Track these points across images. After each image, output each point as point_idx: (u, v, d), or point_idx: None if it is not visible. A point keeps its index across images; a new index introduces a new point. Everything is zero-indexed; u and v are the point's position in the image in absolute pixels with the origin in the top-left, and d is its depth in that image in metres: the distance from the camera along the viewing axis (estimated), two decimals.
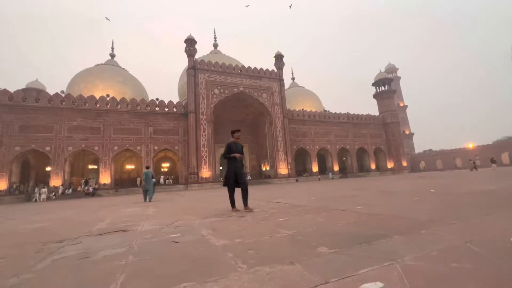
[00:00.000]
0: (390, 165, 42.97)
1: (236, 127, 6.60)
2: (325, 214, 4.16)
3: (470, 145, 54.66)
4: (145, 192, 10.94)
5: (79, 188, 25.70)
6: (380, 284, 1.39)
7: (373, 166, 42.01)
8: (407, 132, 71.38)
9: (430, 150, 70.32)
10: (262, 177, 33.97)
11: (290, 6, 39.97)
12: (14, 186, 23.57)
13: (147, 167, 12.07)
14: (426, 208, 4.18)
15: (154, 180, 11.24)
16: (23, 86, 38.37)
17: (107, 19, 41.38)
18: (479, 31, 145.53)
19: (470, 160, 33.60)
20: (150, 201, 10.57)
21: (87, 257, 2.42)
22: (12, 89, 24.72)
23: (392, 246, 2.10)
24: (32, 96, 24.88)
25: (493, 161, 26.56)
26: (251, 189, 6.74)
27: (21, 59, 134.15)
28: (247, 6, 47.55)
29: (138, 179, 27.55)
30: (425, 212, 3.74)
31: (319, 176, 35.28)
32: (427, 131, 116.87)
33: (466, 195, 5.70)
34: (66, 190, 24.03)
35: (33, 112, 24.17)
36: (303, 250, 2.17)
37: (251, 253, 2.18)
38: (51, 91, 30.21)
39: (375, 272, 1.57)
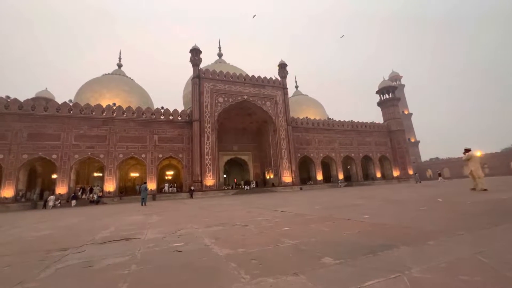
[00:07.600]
0: (396, 173, 42.31)
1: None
2: (329, 224, 4.10)
3: (478, 153, 53.77)
4: (142, 200, 15.54)
5: (83, 196, 25.85)
6: None
7: (378, 174, 41.40)
8: (412, 140, 70.66)
9: (437, 158, 69.39)
10: (266, 185, 33.74)
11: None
12: (21, 193, 23.83)
13: (144, 183, 18.46)
14: (433, 218, 4.09)
15: (147, 191, 17.66)
16: (33, 95, 39.41)
17: (254, 16, 47.52)
18: (486, 36, 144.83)
19: (415, 173, 38.16)
20: (145, 204, 15.09)
21: (91, 266, 2.42)
22: (22, 98, 25.39)
23: (399, 257, 2.06)
24: (41, 105, 25.42)
25: (439, 174, 30.71)
26: (254, 197, 6.68)
27: (31, 69, 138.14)
28: (254, 16, 50.71)
29: (137, 187, 28.55)
30: (432, 222, 3.66)
31: (345, 183, 36.65)
32: (434, 139, 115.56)
33: (474, 204, 5.57)
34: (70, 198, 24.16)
35: (42, 121, 24.69)
36: (307, 261, 2.14)
37: (254, 263, 2.15)
38: (59, 100, 30.83)
39: (381, 284, 1.53)
